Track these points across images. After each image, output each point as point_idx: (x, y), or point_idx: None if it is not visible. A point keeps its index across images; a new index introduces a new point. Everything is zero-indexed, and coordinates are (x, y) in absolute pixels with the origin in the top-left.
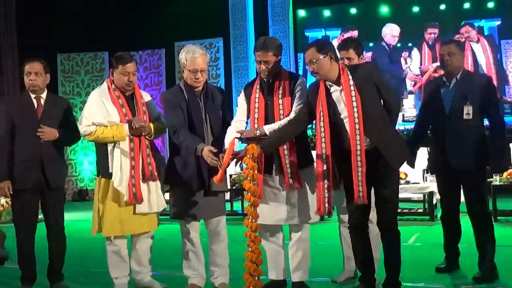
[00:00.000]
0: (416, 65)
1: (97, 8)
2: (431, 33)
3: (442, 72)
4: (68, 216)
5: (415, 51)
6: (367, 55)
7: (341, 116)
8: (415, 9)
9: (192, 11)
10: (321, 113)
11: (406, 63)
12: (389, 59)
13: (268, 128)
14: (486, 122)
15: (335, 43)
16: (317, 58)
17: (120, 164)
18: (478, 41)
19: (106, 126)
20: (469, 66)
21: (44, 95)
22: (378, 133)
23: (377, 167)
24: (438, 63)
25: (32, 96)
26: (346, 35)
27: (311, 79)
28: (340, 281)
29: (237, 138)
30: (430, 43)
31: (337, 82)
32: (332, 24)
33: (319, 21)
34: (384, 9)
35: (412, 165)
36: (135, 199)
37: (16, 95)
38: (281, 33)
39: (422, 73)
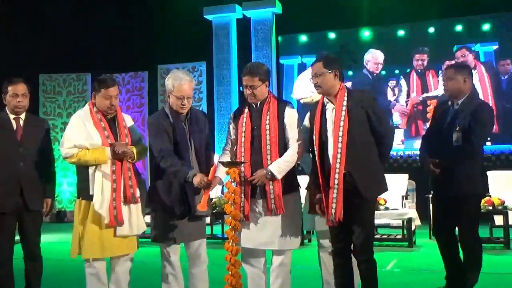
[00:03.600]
0: (404, 95)
1: (80, 30)
2: (419, 60)
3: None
4: (46, 237)
5: (402, 81)
6: (347, 84)
7: (327, 134)
8: (401, 32)
9: (175, 35)
10: (314, 129)
11: (394, 93)
12: (371, 88)
13: (277, 168)
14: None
15: (310, 71)
16: (322, 72)
17: (101, 187)
18: (475, 67)
19: (88, 149)
20: None
21: (23, 115)
22: (357, 160)
23: (351, 196)
24: (427, 94)
25: (11, 116)
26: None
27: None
28: None
29: (219, 162)
30: (419, 70)
31: (334, 100)
32: (309, 51)
33: (295, 47)
34: (366, 33)
35: (431, 172)
36: (116, 222)
37: None
38: (263, 58)
39: (410, 104)
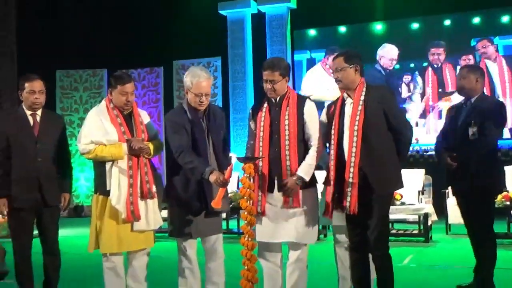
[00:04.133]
0: (418, 92)
1: (97, 26)
2: (435, 54)
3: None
4: (64, 232)
5: (417, 77)
6: None
7: (344, 128)
8: (415, 25)
9: (191, 30)
10: (333, 123)
11: (409, 90)
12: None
13: (305, 173)
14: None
15: (319, 67)
16: (343, 67)
17: (118, 182)
18: (495, 59)
19: (105, 145)
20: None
21: (39, 112)
22: (371, 155)
23: (365, 191)
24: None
25: (28, 113)
26: (331, 58)
27: None
28: None
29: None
30: (435, 65)
31: (353, 94)
32: (319, 46)
33: (304, 42)
34: (379, 27)
35: (449, 165)
36: (133, 217)
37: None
38: (278, 53)
39: (425, 101)
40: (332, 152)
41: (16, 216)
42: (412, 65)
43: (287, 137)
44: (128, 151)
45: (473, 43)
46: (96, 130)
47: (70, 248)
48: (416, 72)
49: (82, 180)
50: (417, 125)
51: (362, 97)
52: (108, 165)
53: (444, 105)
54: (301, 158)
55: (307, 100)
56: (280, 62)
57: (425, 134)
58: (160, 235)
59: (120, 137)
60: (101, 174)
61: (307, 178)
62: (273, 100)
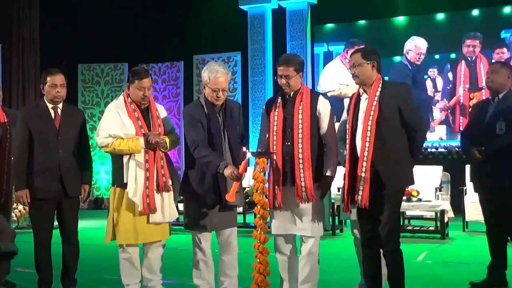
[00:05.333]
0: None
1: (118, 21)
2: (470, 46)
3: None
4: (84, 224)
5: (448, 72)
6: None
7: (358, 123)
8: (440, 16)
9: (211, 25)
10: (348, 119)
11: (435, 86)
12: (412, 81)
13: (333, 172)
14: None
15: (338, 61)
16: (360, 63)
17: (135, 175)
18: None
19: (123, 138)
20: None
21: (60, 105)
22: (383, 151)
23: (376, 187)
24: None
25: (50, 106)
26: (351, 51)
27: None
28: None
29: (249, 152)
30: (469, 58)
31: (369, 90)
32: (336, 38)
33: (322, 35)
34: (400, 18)
35: (476, 159)
36: (149, 209)
37: (31, 104)
38: (298, 48)
39: (455, 100)
40: (347, 147)
41: (38, 206)
42: (437, 56)
43: (300, 131)
44: (145, 144)
45: (503, 35)
46: (114, 124)
47: (89, 239)
48: (448, 65)
49: (102, 173)
50: (442, 122)
51: (378, 93)
52: (125, 158)
53: (472, 102)
54: (314, 153)
55: (321, 96)
56: (295, 58)
57: (451, 133)
58: (176, 228)
59: (138, 131)
60: (119, 167)
61: (334, 175)
62: (287, 96)
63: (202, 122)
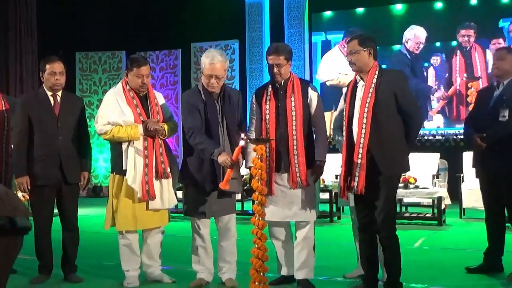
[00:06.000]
0: (444, 77)
1: (116, 8)
2: (465, 35)
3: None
4: (83, 211)
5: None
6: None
7: (354, 110)
8: (438, 5)
9: (209, 13)
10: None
11: (436, 73)
12: (410, 70)
13: (323, 157)
14: None
15: (337, 50)
16: (357, 50)
17: (134, 162)
18: None
19: (121, 126)
20: None
21: (59, 92)
22: (379, 137)
23: (372, 173)
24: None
25: (49, 93)
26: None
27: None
28: (352, 277)
29: (244, 139)
30: (464, 48)
31: (366, 77)
32: (334, 27)
33: (320, 23)
34: (399, 6)
35: (479, 146)
36: (148, 196)
37: (30, 92)
38: (296, 36)
39: (453, 89)
40: (344, 133)
41: (38, 193)
42: (438, 45)
43: (293, 118)
44: (143, 132)
45: (501, 24)
46: (113, 111)
47: (88, 226)
48: (443, 55)
49: (101, 161)
50: (439, 112)
51: (374, 80)
52: (124, 146)
53: (470, 92)
54: (307, 139)
55: (310, 83)
56: (285, 47)
57: (449, 121)
58: (175, 215)
59: (136, 118)
60: (118, 154)
61: (325, 160)
62: (278, 84)
63: (199, 109)
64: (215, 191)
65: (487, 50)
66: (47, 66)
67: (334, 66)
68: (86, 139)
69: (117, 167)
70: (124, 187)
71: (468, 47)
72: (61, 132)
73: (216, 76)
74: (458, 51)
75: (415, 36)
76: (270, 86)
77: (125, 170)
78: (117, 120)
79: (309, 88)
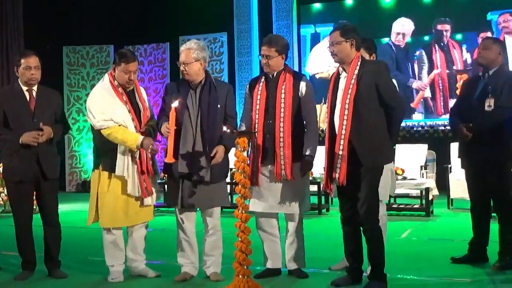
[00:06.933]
0: (426, 69)
1: (103, 2)
2: (442, 30)
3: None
4: (71, 206)
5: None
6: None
7: (336, 102)
8: None
9: (197, 6)
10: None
11: (419, 66)
12: (395, 63)
13: (313, 151)
14: None
15: (326, 42)
16: (339, 41)
17: (129, 160)
18: None
19: (120, 125)
20: None
21: (35, 87)
22: (360, 128)
23: (354, 164)
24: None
25: (24, 88)
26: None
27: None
28: (337, 269)
29: (228, 132)
30: (442, 43)
31: (348, 68)
32: (323, 20)
33: (309, 16)
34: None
35: (465, 136)
36: (147, 193)
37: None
38: (284, 28)
39: (429, 79)
40: (326, 125)
41: (16, 189)
42: (427, 37)
43: (282, 110)
44: (140, 145)
45: (489, 17)
46: (112, 107)
47: (76, 222)
48: (421, 49)
49: (90, 156)
50: (424, 103)
51: (356, 71)
52: (121, 146)
53: (459, 85)
54: (295, 132)
55: (304, 77)
56: (278, 39)
57: (434, 114)
58: (164, 209)
59: (132, 117)
60: (107, 151)
61: (315, 155)
62: (270, 75)
63: (171, 97)
64: (189, 181)
65: (463, 46)
66: (22, 61)
67: (324, 59)
68: (66, 130)
69: (107, 163)
70: (113, 184)
71: (446, 42)
72: (37, 127)
73: (183, 62)
74: (436, 45)
75: (400, 28)
76: (263, 77)
77: (115, 167)
78: (118, 120)
79: (301, 82)
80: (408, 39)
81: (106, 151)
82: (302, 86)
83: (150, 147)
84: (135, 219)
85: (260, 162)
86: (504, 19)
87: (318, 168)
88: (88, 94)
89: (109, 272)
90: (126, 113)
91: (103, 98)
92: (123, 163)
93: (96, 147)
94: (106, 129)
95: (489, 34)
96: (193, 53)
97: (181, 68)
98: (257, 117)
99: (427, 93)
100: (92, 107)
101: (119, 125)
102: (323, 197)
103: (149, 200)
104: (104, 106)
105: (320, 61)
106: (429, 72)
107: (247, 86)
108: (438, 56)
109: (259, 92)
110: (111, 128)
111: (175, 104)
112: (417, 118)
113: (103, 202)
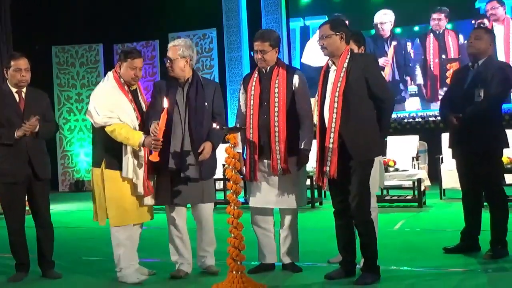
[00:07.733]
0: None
1: (92, 1)
2: (436, 19)
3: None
4: (65, 206)
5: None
6: None
7: (326, 95)
8: None
9: (185, 2)
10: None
11: (410, 56)
12: (373, 52)
13: (309, 145)
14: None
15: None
16: (329, 34)
17: (133, 160)
18: (503, 21)
19: (124, 123)
20: None
21: (24, 89)
22: (350, 121)
23: (345, 158)
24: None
25: (13, 90)
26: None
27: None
28: (336, 261)
29: (217, 128)
30: (437, 32)
31: (337, 62)
32: (312, 12)
33: (298, 9)
34: None
35: (453, 125)
36: (148, 192)
37: None
38: (274, 23)
39: (422, 69)
40: (316, 118)
41: (8, 191)
42: (416, 28)
43: (276, 105)
44: (142, 144)
45: (477, 5)
46: (119, 105)
47: (69, 222)
48: (417, 38)
49: (82, 156)
50: (416, 93)
51: (345, 64)
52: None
53: (449, 73)
54: (290, 126)
55: (297, 70)
56: (271, 33)
57: (426, 102)
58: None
59: (137, 116)
60: (112, 149)
61: (310, 148)
62: (264, 70)
63: (160, 95)
64: (176, 177)
65: (460, 35)
66: (12, 63)
67: (315, 51)
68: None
69: (112, 162)
70: (120, 183)
71: (441, 31)
72: None
73: (169, 58)
74: (431, 35)
75: (380, 18)
76: (257, 72)
77: (121, 166)
78: (126, 119)
79: (295, 75)
80: (391, 27)
81: (110, 149)
82: (296, 79)
83: (153, 143)
84: (145, 217)
85: (257, 158)
86: (492, 6)
87: (311, 161)
88: (78, 93)
89: (116, 272)
90: (132, 112)
91: (112, 96)
92: (131, 165)
93: (98, 144)
94: (110, 126)
95: (485, 21)
96: (178, 49)
97: (167, 64)
98: (251, 112)
99: (420, 80)
100: (98, 104)
101: (123, 123)
102: (316, 191)
103: (149, 200)
104: (112, 104)
105: (315, 53)
106: (424, 61)
107: (241, 82)
108: (432, 45)
109: (253, 88)
110: (115, 125)
111: (166, 104)
112: (409, 109)
113: (114, 200)
